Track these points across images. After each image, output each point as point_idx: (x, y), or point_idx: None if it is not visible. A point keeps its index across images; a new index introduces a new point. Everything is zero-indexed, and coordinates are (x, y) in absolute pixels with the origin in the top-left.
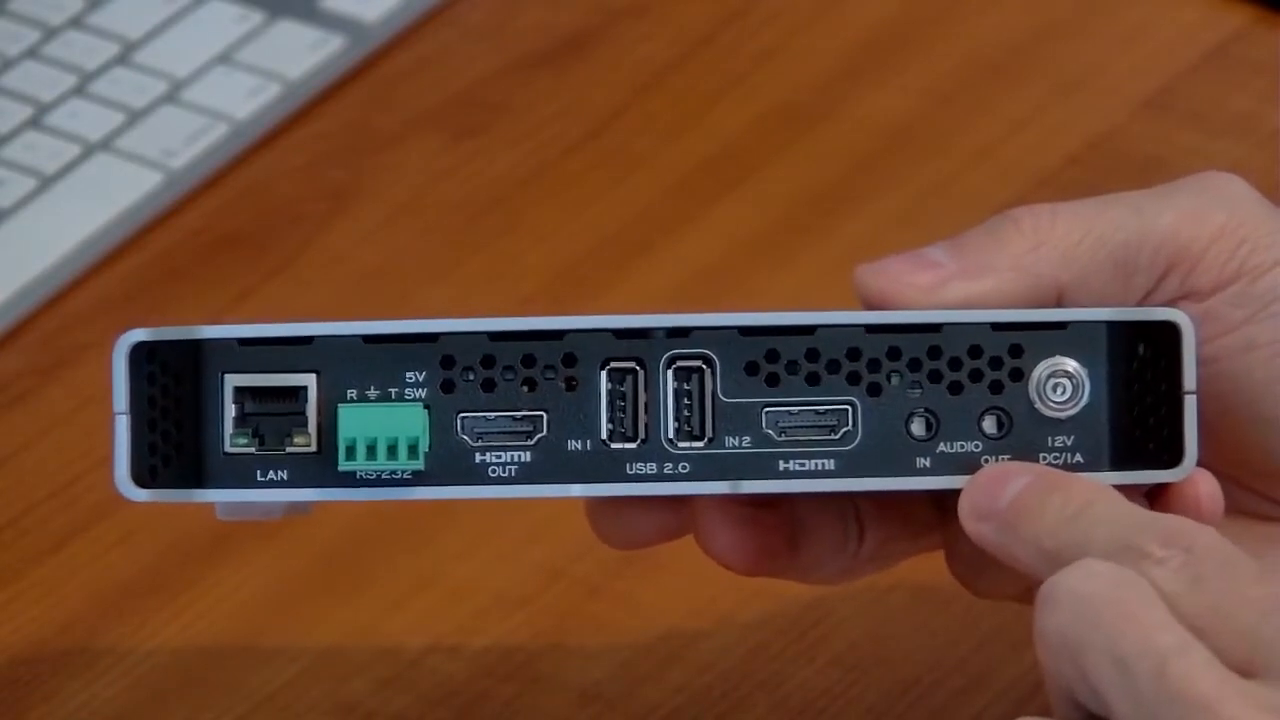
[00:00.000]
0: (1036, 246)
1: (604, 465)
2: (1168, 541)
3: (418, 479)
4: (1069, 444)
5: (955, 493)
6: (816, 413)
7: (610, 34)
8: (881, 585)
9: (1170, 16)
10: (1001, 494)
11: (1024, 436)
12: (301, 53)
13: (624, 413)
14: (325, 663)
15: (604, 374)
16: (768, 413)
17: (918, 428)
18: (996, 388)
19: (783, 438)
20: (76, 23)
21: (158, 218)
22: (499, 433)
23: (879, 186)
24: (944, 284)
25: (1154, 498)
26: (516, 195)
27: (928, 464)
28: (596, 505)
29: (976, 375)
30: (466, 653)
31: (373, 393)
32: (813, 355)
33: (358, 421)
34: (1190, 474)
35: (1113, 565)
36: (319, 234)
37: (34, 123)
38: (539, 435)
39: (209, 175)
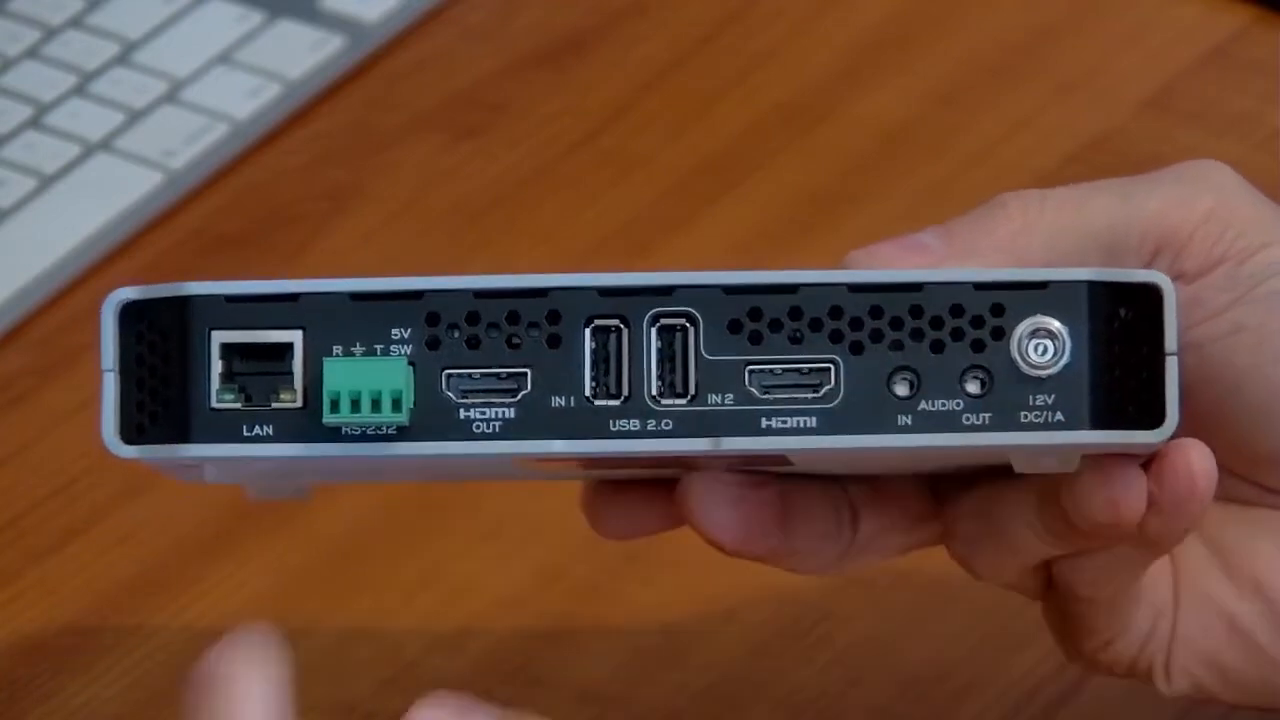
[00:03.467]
0: (1024, 230)
1: (587, 422)
2: None
3: (402, 434)
4: (1050, 403)
5: (949, 477)
6: (799, 371)
7: (610, 34)
8: (882, 585)
9: (1170, 16)
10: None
11: (1005, 395)
12: (301, 53)
13: (607, 370)
14: (325, 663)
15: (588, 331)
16: (750, 371)
17: (899, 386)
18: (978, 346)
19: (765, 395)
20: (76, 23)
21: (158, 218)
22: (483, 390)
23: (879, 186)
24: (933, 267)
25: (1148, 470)
26: (516, 195)
27: (909, 422)
28: (592, 493)
29: (958, 334)
30: (466, 653)
31: (358, 349)
32: (795, 314)
33: (341, 374)
34: (1181, 442)
35: None
36: (319, 234)
37: (34, 123)
38: (523, 392)
39: (209, 175)
